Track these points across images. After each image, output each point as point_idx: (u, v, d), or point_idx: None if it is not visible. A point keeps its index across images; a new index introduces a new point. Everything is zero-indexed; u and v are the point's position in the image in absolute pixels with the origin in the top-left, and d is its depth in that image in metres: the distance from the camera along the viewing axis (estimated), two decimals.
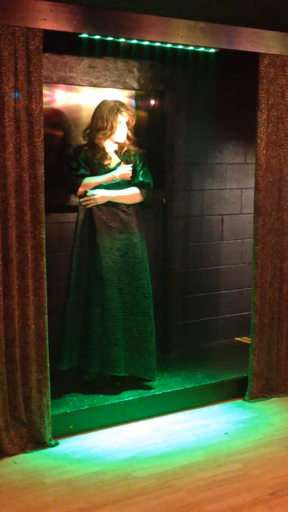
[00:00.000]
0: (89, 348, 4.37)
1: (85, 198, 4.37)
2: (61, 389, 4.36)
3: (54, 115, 4.76)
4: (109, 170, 4.40)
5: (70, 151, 4.54)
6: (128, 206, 4.44)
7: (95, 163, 4.39)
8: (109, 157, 4.43)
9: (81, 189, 4.38)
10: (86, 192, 4.37)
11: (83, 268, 4.38)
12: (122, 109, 4.39)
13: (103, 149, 4.41)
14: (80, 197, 4.40)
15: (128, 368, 4.44)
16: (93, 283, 4.36)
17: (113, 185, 4.40)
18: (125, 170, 4.41)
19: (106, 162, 4.42)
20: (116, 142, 4.45)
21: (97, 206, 4.37)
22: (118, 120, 4.37)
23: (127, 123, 4.43)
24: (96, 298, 4.35)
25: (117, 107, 4.38)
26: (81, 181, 4.36)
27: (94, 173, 4.40)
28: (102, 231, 4.36)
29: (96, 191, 4.37)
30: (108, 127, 4.36)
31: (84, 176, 4.38)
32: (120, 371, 4.39)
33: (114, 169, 4.41)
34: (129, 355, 4.42)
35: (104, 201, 4.38)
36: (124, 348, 4.39)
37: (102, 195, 4.37)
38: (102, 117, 4.37)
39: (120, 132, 4.41)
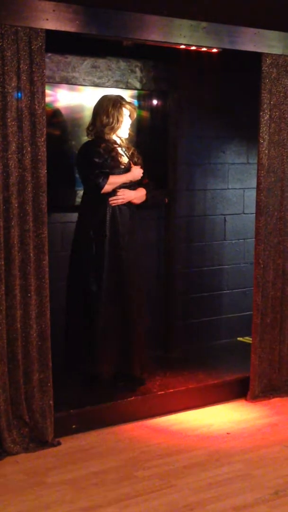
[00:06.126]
0: (79, 347, 4.38)
1: (115, 197, 4.28)
2: (64, 388, 4.36)
3: (57, 115, 4.76)
4: (126, 168, 4.34)
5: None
6: (134, 206, 4.42)
7: (110, 159, 4.27)
8: (120, 154, 4.39)
9: (108, 187, 4.25)
10: (114, 190, 4.27)
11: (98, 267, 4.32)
12: (124, 102, 4.36)
13: (114, 143, 4.35)
14: (108, 194, 4.26)
15: (116, 367, 4.42)
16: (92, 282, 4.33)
17: (125, 185, 4.35)
18: (139, 173, 4.39)
19: (120, 159, 4.36)
20: (120, 137, 4.41)
21: (118, 205, 4.31)
22: (123, 114, 4.33)
23: (130, 117, 4.40)
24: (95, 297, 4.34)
25: (120, 100, 4.34)
26: (106, 179, 4.21)
27: (111, 170, 4.28)
28: (122, 230, 4.31)
29: (125, 190, 4.32)
30: (114, 121, 4.30)
31: (107, 173, 4.25)
32: (107, 370, 4.39)
33: (127, 168, 4.34)
34: (116, 355, 4.38)
35: (127, 201, 4.35)
36: (110, 348, 4.35)
37: (129, 195, 4.34)
38: (106, 112, 4.29)
39: (126, 126, 4.38)
